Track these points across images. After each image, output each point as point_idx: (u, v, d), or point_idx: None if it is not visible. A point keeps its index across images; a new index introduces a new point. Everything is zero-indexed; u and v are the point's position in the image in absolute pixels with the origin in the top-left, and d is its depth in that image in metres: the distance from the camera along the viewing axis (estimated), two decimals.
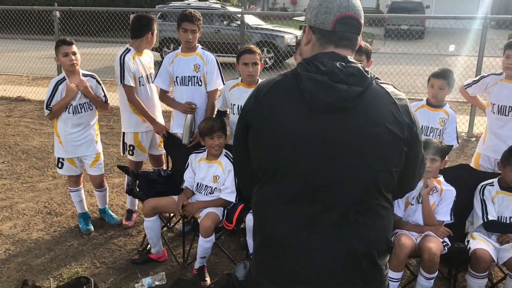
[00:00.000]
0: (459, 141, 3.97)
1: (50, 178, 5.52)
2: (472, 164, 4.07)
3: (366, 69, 1.71)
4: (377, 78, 1.73)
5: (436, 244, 3.12)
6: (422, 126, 3.91)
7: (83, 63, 4.24)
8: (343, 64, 1.65)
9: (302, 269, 1.66)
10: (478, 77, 4.13)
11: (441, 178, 3.45)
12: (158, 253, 3.84)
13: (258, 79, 3.80)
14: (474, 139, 7.11)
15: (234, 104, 3.84)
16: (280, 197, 1.68)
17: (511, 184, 3.31)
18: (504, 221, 3.32)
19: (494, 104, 3.91)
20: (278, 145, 1.65)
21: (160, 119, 4.34)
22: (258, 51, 3.72)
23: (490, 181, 3.42)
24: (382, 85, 1.71)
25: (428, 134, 3.89)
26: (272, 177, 1.69)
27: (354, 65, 1.66)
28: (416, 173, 1.91)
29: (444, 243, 3.24)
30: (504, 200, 3.31)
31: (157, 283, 3.56)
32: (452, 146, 3.90)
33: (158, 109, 4.36)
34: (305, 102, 1.61)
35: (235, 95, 3.84)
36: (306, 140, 1.61)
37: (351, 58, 1.71)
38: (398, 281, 3.21)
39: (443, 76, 3.81)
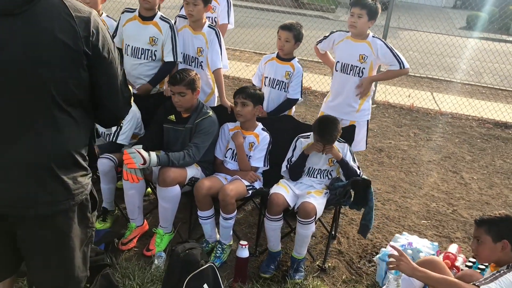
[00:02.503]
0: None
1: None
2: None
3: None
4: None
5: (233, 186, 3.22)
6: (270, 78, 3.97)
7: None
8: None
9: None
10: (329, 32, 4.10)
11: (259, 125, 3.53)
12: None
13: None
14: (375, 105, 7.24)
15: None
16: None
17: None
18: (312, 172, 3.44)
19: (338, 61, 3.91)
20: None
21: None
22: None
23: (307, 134, 3.51)
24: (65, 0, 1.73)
25: (274, 86, 3.95)
26: None
27: None
28: (116, 96, 1.96)
29: (249, 187, 3.35)
30: (313, 156, 3.40)
31: None
32: (297, 100, 3.98)
33: None
34: None
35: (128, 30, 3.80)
36: None
37: None
38: (207, 218, 3.31)
39: (288, 28, 3.83)
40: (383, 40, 3.82)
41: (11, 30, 1.63)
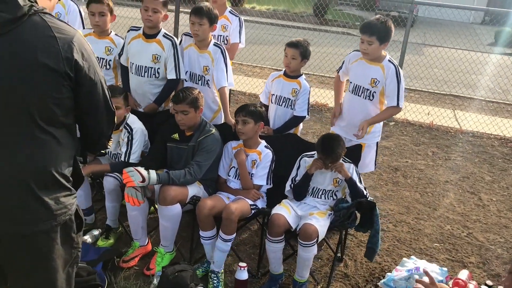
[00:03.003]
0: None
1: None
2: None
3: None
4: (45, 13, 1.76)
5: (238, 205, 3.16)
6: (276, 95, 3.93)
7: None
8: None
9: None
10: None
11: (262, 143, 3.48)
12: None
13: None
14: (393, 123, 7.11)
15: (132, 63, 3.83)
16: None
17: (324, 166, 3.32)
18: (317, 192, 3.36)
19: (351, 82, 3.80)
20: None
21: None
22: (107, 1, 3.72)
23: (311, 152, 3.43)
24: (48, 21, 1.74)
25: (281, 103, 3.91)
26: None
27: None
28: (100, 117, 1.96)
29: (252, 207, 3.29)
30: (317, 172, 3.32)
31: None
32: (304, 117, 3.91)
33: None
34: None
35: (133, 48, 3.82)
36: None
37: None
38: (209, 239, 3.24)
39: (295, 45, 3.79)
40: (398, 67, 3.65)
41: None
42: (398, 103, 3.63)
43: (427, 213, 4.55)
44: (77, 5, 4.11)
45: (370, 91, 3.68)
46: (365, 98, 3.71)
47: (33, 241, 1.81)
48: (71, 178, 1.92)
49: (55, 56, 1.70)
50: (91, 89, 1.85)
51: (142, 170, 3.05)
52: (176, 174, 3.19)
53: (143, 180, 3.04)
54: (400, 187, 5.08)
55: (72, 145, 1.91)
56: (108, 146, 2.22)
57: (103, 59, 3.84)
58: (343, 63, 3.93)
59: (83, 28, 4.11)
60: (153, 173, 3.10)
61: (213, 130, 3.41)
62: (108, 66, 3.88)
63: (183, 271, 2.48)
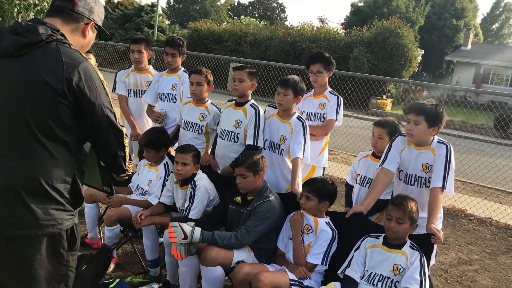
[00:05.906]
0: None
1: None
2: None
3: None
4: (64, 43, 2.04)
5: (271, 274, 2.94)
6: (362, 175, 3.70)
7: None
8: (29, 23, 2.02)
9: None
10: (387, 146, 3.41)
11: (325, 219, 3.23)
12: (93, 239, 4.24)
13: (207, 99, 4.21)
14: None
15: (182, 118, 4.24)
16: None
17: (390, 235, 2.94)
18: (373, 278, 2.92)
19: (401, 170, 3.36)
20: None
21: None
22: (206, 73, 4.09)
23: (377, 234, 3.06)
24: (62, 48, 2.01)
25: (365, 185, 3.68)
26: None
27: (34, 25, 2.00)
28: (107, 137, 2.13)
29: (295, 283, 3.00)
30: (379, 255, 2.93)
31: None
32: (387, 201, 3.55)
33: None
34: None
35: (185, 111, 4.26)
36: None
37: (50, 24, 2.06)
38: None
39: (382, 124, 3.62)
40: (450, 147, 3.19)
41: (7, 69, 1.95)
42: (443, 185, 3.10)
43: None
44: None
45: (425, 177, 3.25)
46: (420, 187, 3.28)
47: (17, 245, 1.92)
48: (66, 195, 2.03)
49: (57, 77, 1.93)
50: (89, 108, 2.01)
51: (186, 227, 3.04)
52: (221, 235, 3.12)
53: (185, 237, 3.03)
54: None
55: (70, 163, 2.05)
56: (128, 168, 2.33)
57: (196, 124, 4.14)
58: (385, 154, 3.39)
59: None
60: (197, 231, 3.06)
61: (272, 197, 3.29)
62: (200, 131, 4.15)
63: None
